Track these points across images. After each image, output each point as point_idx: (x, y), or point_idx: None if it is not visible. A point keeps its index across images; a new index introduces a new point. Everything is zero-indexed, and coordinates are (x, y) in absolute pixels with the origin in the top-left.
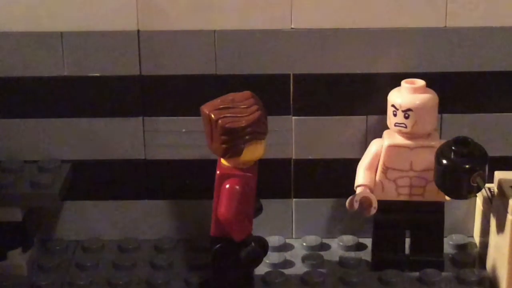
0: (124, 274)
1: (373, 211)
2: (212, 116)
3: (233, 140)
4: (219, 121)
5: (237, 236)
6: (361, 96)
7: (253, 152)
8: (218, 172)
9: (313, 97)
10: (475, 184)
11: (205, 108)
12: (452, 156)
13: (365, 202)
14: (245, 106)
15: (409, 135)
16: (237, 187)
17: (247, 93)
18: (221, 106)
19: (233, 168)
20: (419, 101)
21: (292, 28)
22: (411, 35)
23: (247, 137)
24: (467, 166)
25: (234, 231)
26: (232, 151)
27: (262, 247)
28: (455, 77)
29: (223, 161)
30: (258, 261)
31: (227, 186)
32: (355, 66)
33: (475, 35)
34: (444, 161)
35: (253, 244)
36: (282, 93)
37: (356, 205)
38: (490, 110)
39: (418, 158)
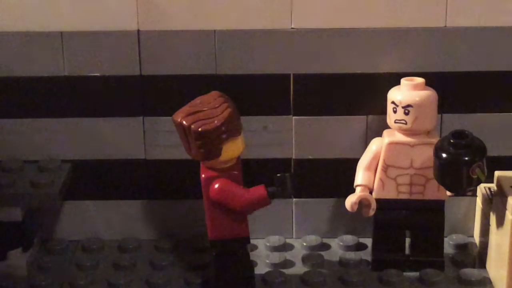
0: (124, 274)
1: (372, 212)
2: (184, 122)
3: (209, 142)
4: (192, 126)
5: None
6: (361, 96)
7: (232, 150)
8: (203, 175)
9: (313, 97)
10: (475, 176)
11: (176, 117)
12: (451, 149)
13: (364, 202)
14: (214, 106)
15: (409, 132)
16: (226, 183)
17: (214, 93)
18: (191, 111)
19: (217, 169)
20: (419, 97)
21: (292, 28)
22: (411, 35)
23: (223, 136)
24: (466, 158)
25: (257, 203)
26: (211, 153)
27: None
28: (455, 77)
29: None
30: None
31: (216, 186)
32: (355, 66)
33: (475, 35)
34: (443, 154)
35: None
36: (282, 93)
37: (355, 208)
38: (490, 110)
39: (418, 155)
